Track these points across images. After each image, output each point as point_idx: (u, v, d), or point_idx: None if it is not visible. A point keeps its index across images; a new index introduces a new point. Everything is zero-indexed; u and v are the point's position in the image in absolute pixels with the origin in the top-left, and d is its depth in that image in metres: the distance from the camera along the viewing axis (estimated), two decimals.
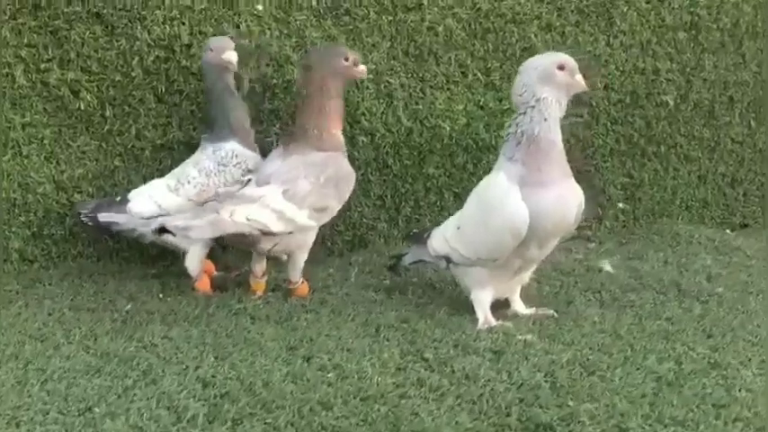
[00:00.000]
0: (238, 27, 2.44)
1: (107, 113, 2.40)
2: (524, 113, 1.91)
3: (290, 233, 2.12)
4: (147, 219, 2.20)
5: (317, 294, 2.19)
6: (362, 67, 2.22)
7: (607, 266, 2.50)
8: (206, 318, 1.99)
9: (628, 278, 2.39)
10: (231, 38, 2.30)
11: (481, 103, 2.75)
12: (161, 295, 2.21)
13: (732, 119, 3.14)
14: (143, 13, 2.36)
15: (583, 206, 1.99)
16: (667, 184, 3.09)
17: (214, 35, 2.39)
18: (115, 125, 2.41)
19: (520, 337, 1.84)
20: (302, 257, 2.21)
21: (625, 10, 2.87)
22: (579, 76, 1.92)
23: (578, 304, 2.13)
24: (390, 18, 2.61)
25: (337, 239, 2.66)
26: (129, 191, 2.31)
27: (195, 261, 2.24)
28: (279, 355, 1.72)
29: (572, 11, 2.81)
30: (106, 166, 2.42)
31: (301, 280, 2.23)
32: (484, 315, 2.00)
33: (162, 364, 1.66)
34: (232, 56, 2.21)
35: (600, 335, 1.86)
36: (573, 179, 1.96)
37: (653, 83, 2.96)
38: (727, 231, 3.11)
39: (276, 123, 2.52)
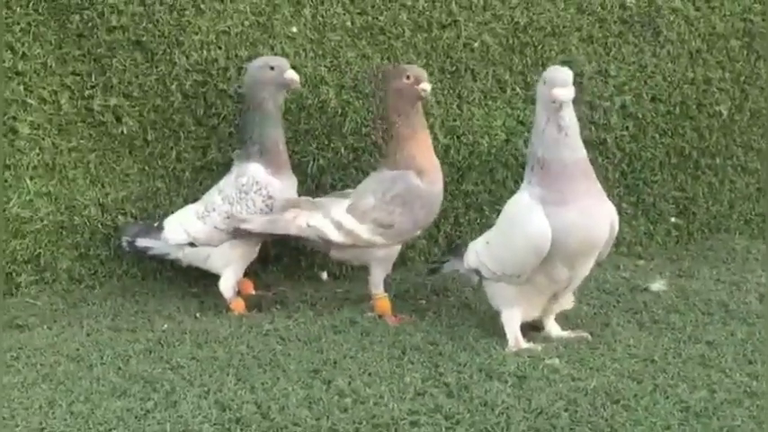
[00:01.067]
0: (273, 49, 2.48)
1: (149, 137, 2.46)
2: (530, 134, 1.88)
3: (355, 246, 2.17)
4: (180, 245, 2.29)
5: (348, 314, 2.18)
6: (425, 85, 2.16)
7: (653, 285, 2.41)
8: (236, 339, 2.01)
9: (674, 298, 2.29)
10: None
11: (521, 119, 2.70)
12: (198, 315, 2.25)
13: None
14: (181, 39, 2.41)
15: (617, 224, 1.93)
16: (723, 198, 2.96)
17: (249, 58, 2.44)
18: (156, 148, 2.47)
19: (547, 362, 1.79)
20: (378, 272, 2.22)
21: (672, 19, 2.78)
22: (556, 90, 1.79)
23: (615, 326, 2.06)
24: (425, 35, 2.60)
25: None
26: (168, 214, 2.37)
27: (229, 283, 2.28)
28: (300, 378, 1.72)
29: (614, 21, 2.74)
30: (149, 188, 2.49)
31: (382, 294, 2.23)
32: (514, 336, 1.96)
33: (185, 386, 1.69)
34: (294, 75, 2.23)
35: (632, 360, 1.79)
36: (603, 196, 1.91)
37: (704, 93, 2.85)
38: None
39: (312, 144, 2.54)
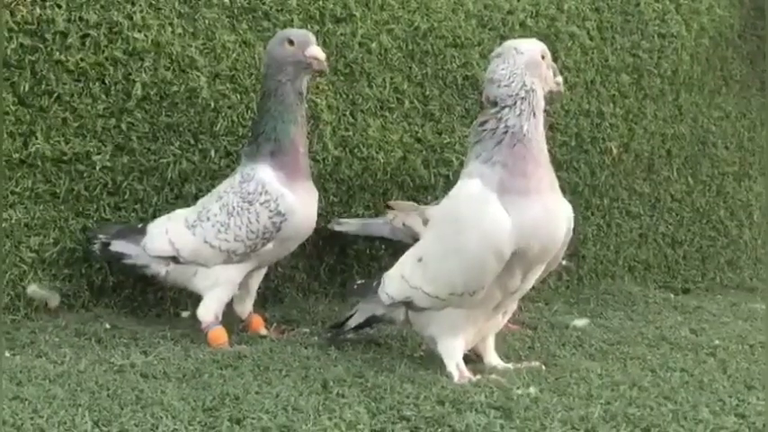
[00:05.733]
0: (131, 18, 1.95)
1: None
2: (511, 106, 1.53)
3: None
4: (162, 258, 1.78)
5: (236, 347, 1.64)
6: None
7: (576, 322, 2.10)
8: (75, 375, 1.39)
9: (604, 333, 2.00)
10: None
11: (419, 135, 2.36)
12: (9, 353, 1.59)
13: (671, 174, 2.92)
14: None
15: (572, 227, 1.61)
16: (610, 242, 2.79)
17: (99, 24, 1.90)
18: None
19: (519, 392, 1.38)
20: None
21: (570, 45, 2.62)
22: (558, 77, 1.60)
23: (563, 357, 1.70)
24: (317, 28, 2.21)
25: None
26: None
27: (211, 309, 1.76)
28: (193, 416, 1.16)
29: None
30: None
31: None
32: (457, 369, 1.53)
33: (7, 428, 1.06)
34: (319, 52, 1.77)
35: (623, 387, 1.42)
36: (560, 192, 1.58)
37: (597, 127, 2.70)
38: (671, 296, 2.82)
39: (174, 142, 2.01)
